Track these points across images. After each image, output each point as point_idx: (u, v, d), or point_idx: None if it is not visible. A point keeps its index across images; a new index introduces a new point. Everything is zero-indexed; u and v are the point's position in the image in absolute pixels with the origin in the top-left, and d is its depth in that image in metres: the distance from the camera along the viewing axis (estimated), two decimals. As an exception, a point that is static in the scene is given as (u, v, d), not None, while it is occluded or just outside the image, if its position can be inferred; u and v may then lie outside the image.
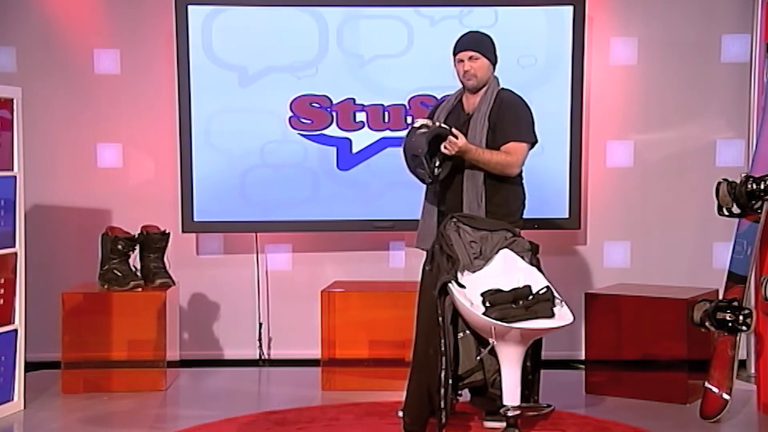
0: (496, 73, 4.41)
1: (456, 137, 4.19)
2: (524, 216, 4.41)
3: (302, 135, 5.47)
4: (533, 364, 4.13)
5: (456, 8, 5.39)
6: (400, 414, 4.18)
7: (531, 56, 5.41)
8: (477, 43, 4.36)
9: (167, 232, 5.26)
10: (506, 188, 4.32)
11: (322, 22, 5.41)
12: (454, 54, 4.40)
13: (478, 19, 5.33)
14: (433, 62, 5.23)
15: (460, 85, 4.44)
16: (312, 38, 5.41)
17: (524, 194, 4.42)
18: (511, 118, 4.31)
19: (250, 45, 5.41)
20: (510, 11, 5.40)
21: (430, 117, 4.47)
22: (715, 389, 4.49)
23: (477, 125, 4.31)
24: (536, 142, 4.37)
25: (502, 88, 4.40)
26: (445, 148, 4.21)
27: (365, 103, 5.46)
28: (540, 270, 4.11)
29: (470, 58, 4.33)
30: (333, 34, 5.41)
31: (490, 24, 5.30)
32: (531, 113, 4.37)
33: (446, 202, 4.36)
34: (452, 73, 4.44)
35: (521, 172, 4.37)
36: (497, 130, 4.29)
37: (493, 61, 4.39)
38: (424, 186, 4.44)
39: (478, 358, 4.02)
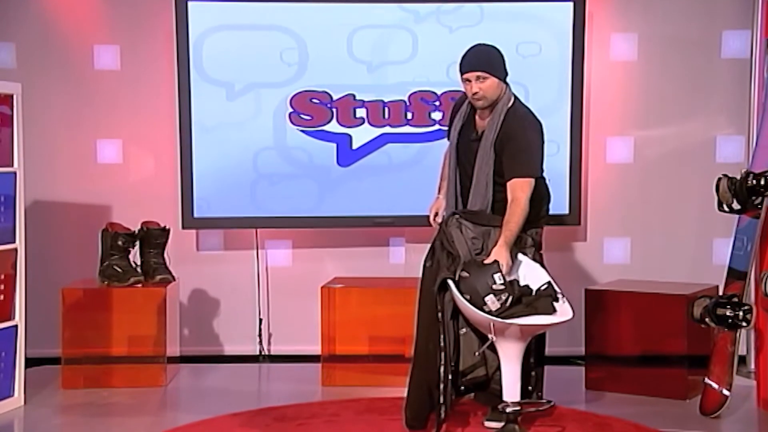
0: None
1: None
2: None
3: (302, 131, 5.47)
4: (537, 360, 4.13)
5: (456, 4, 5.39)
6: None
7: (531, 47, 5.39)
8: (485, 63, 4.12)
9: (167, 228, 5.26)
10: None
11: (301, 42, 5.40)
12: (461, 72, 4.18)
13: (473, 15, 5.34)
14: (434, 59, 5.25)
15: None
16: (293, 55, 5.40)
17: (547, 194, 4.33)
18: (511, 151, 4.10)
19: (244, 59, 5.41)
20: (510, 6, 5.40)
21: (451, 120, 4.36)
22: (714, 385, 4.50)
23: (485, 154, 4.16)
24: (538, 175, 4.16)
25: (512, 106, 4.17)
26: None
27: (365, 99, 5.45)
28: (543, 266, 4.11)
29: (477, 78, 4.12)
30: (342, 43, 5.38)
31: (478, 21, 5.33)
32: (536, 138, 4.14)
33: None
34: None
35: (542, 174, 4.24)
36: (502, 162, 4.14)
37: (503, 77, 4.17)
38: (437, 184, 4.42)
39: (477, 353, 4.02)
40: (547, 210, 4.39)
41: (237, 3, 5.40)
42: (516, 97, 4.25)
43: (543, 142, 4.20)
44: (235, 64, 5.42)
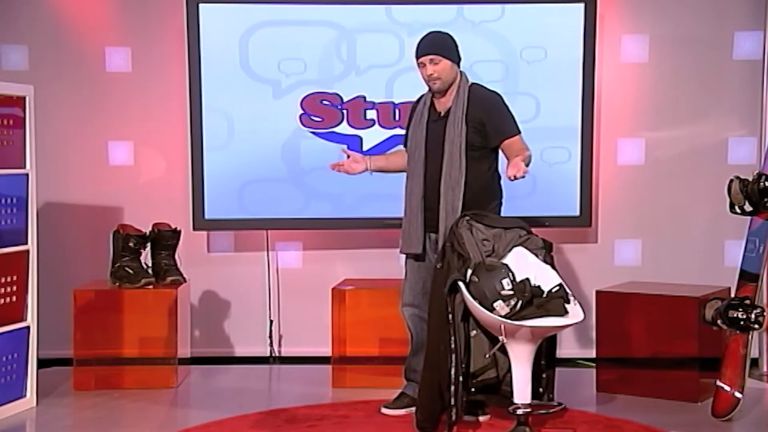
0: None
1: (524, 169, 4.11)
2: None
3: (313, 133, 5.47)
4: (548, 362, 4.12)
5: (462, 5, 5.39)
6: None
7: (541, 49, 5.40)
8: (437, 46, 4.33)
9: (178, 229, 5.27)
10: (481, 189, 4.31)
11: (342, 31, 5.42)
12: (416, 57, 4.36)
13: (486, 14, 5.36)
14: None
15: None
16: (331, 51, 5.43)
17: (501, 193, 4.41)
18: (500, 116, 4.33)
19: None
20: (521, 8, 5.40)
21: (409, 122, 4.49)
22: (726, 387, 4.48)
23: (455, 127, 4.30)
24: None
25: (473, 84, 4.39)
26: (515, 177, 4.08)
27: (376, 101, 5.46)
28: (554, 268, 4.11)
29: (431, 61, 4.30)
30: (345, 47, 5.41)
31: (495, 18, 5.35)
32: (507, 105, 4.39)
33: (428, 204, 4.36)
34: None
35: (497, 171, 4.39)
36: (488, 130, 4.29)
37: (456, 60, 4.36)
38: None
39: (488, 355, 4.02)
40: (499, 210, 4.39)
41: (247, 5, 5.42)
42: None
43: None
44: (245, 66, 5.43)
